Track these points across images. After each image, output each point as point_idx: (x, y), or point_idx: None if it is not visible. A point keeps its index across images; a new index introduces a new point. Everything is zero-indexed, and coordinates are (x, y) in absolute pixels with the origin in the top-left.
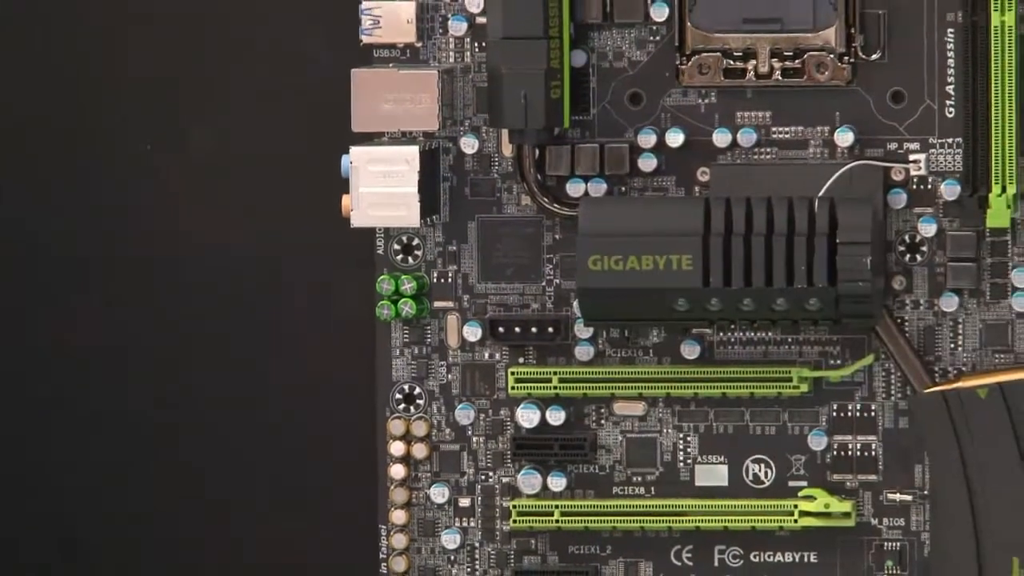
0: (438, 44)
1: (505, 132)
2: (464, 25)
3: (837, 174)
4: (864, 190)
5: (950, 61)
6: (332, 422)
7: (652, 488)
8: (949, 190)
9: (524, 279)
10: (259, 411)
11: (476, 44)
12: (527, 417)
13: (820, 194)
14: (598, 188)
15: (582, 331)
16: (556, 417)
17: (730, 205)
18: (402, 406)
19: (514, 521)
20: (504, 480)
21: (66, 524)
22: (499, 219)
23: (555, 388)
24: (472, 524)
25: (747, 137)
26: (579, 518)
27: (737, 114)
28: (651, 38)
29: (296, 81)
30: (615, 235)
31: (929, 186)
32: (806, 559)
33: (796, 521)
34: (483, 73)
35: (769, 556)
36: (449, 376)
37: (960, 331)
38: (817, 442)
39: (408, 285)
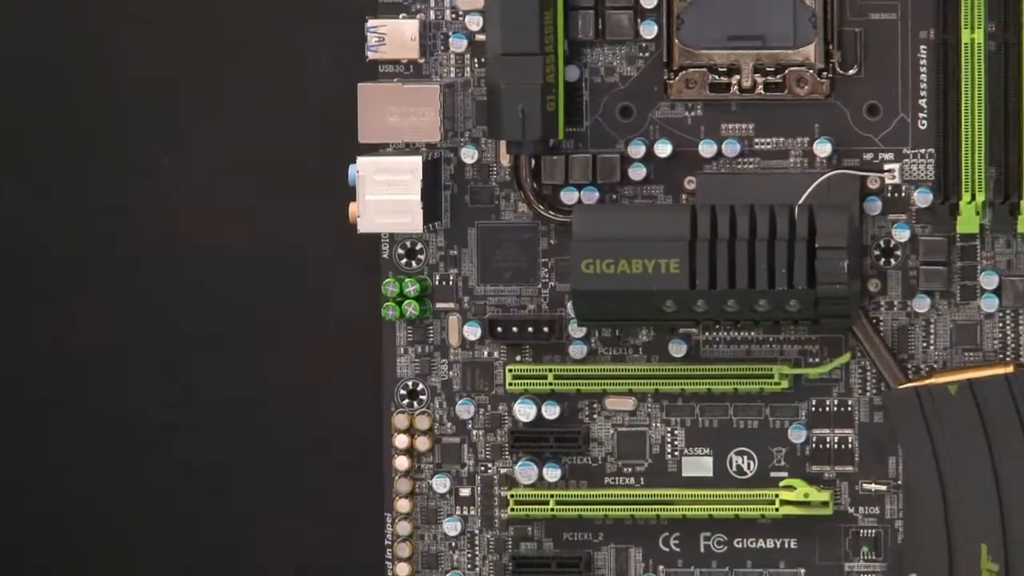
0: (440, 60)
1: (503, 143)
2: (464, 42)
3: (816, 183)
4: (841, 198)
5: (923, 76)
6: (340, 417)
7: (641, 479)
8: (922, 198)
9: (521, 282)
10: (270, 408)
11: (476, 60)
12: (524, 412)
13: (800, 202)
14: (591, 196)
15: (576, 331)
16: (551, 412)
17: (715, 212)
18: (406, 401)
19: (512, 510)
20: (502, 471)
21: (66, 524)
22: (497, 225)
23: (550, 384)
24: (472, 512)
25: (731, 148)
26: (573, 507)
27: (722, 126)
28: (640, 54)
29: (306, 95)
30: (607, 240)
31: (903, 194)
32: (786, 545)
33: (777, 510)
34: (482, 88)
35: (752, 543)
36: (450, 373)
37: (932, 331)
38: (797, 435)
39: (412, 287)
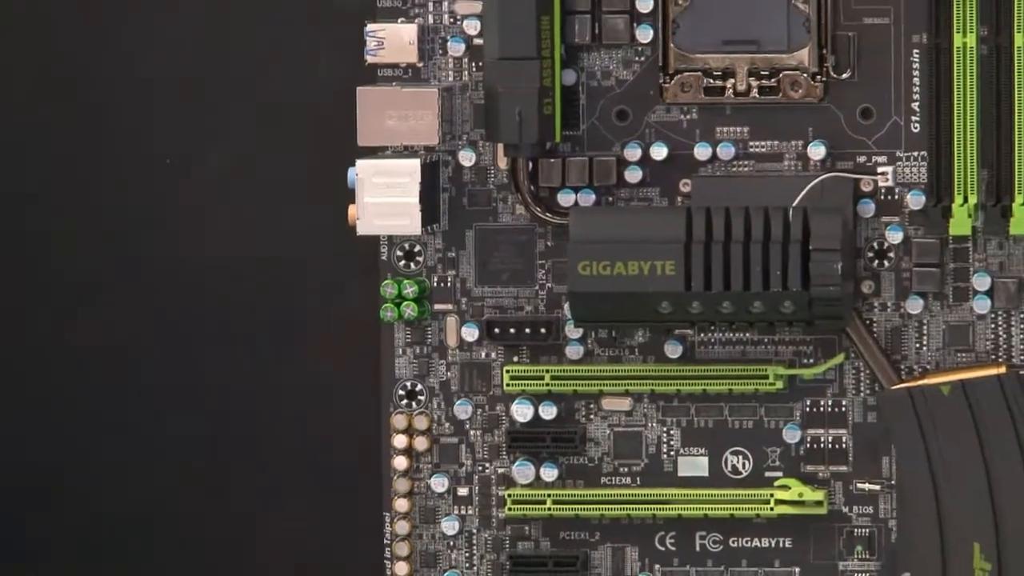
0: (438, 64)
1: (501, 146)
2: (462, 46)
3: (810, 185)
4: (835, 200)
5: (916, 80)
6: (339, 417)
7: (638, 478)
8: (915, 200)
9: (518, 283)
10: (269, 408)
11: (473, 64)
12: (521, 412)
13: (794, 204)
14: (587, 198)
15: (572, 332)
16: (548, 412)
17: (710, 214)
18: (404, 402)
19: (509, 509)
20: (500, 471)
21: (66, 524)
22: (495, 227)
23: (547, 385)
24: (470, 512)
25: (726, 151)
26: (570, 506)
27: (717, 129)
28: (636, 58)
29: (306, 99)
30: (603, 242)
31: (896, 196)
32: (781, 544)
33: (772, 509)
34: (480, 91)
35: (747, 542)
36: (448, 374)
37: (925, 332)
38: (791, 435)
39: (410, 289)
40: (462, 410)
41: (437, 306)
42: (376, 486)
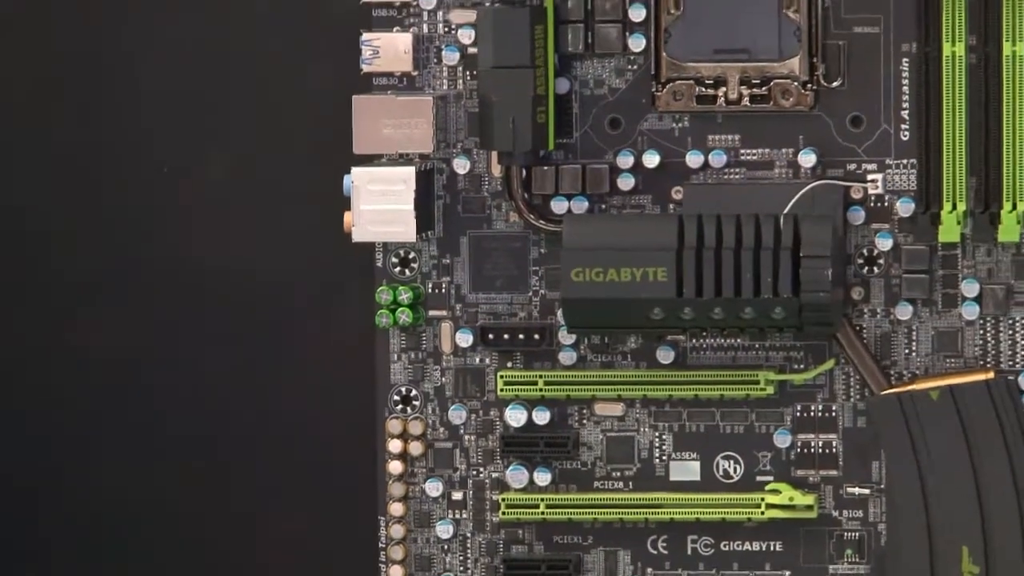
0: (433, 73)
1: (495, 154)
2: (457, 55)
3: (800, 193)
4: (825, 208)
5: (905, 88)
6: (335, 422)
7: (630, 483)
8: (904, 207)
9: (512, 290)
10: (267, 412)
11: (468, 73)
12: (515, 417)
13: (785, 211)
14: (580, 206)
15: (565, 338)
16: (541, 417)
17: (702, 221)
18: (400, 407)
19: (503, 513)
20: (494, 475)
21: (67, 524)
22: (489, 234)
23: (541, 390)
24: (464, 516)
25: (718, 159)
26: (563, 510)
27: (708, 137)
28: (629, 67)
29: (303, 107)
30: (596, 249)
31: (885, 204)
32: (772, 548)
33: (763, 513)
34: (474, 100)
35: (738, 545)
36: (443, 379)
37: (914, 338)
38: (782, 440)
39: (405, 295)
40: (456, 415)
41: (432, 312)
42: (371, 490)
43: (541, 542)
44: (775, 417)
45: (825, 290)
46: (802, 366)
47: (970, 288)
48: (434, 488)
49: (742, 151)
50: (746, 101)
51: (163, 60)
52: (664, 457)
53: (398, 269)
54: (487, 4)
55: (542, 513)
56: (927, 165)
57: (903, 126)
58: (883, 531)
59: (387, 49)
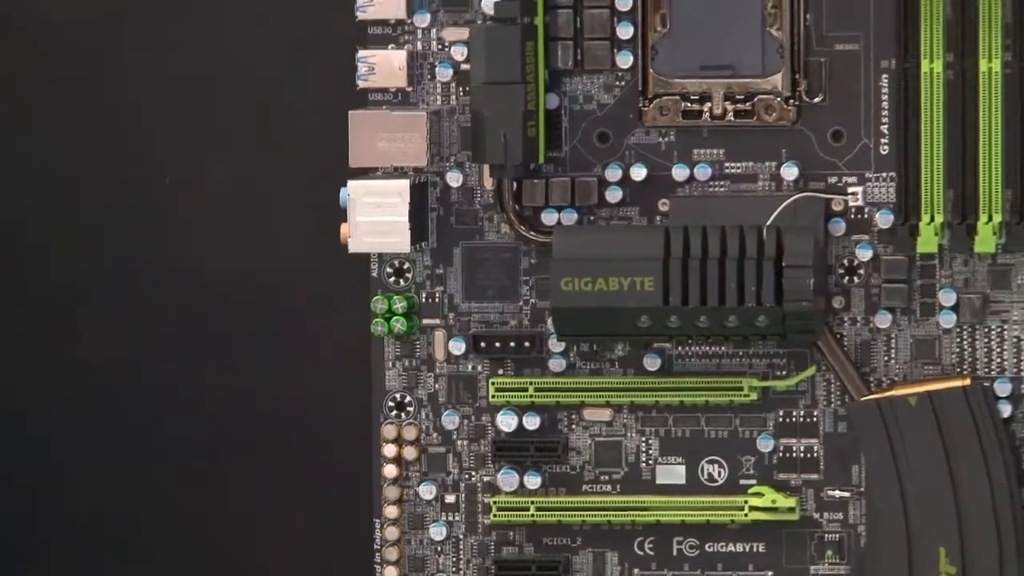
0: (427, 88)
1: (487, 167)
2: (450, 72)
3: (783, 205)
4: (807, 219)
5: (884, 104)
6: (332, 427)
7: (618, 486)
8: (883, 219)
9: (503, 299)
10: (265, 417)
11: (461, 89)
12: (506, 422)
13: (768, 223)
14: (569, 217)
15: (555, 345)
16: (532, 422)
17: (687, 233)
18: (394, 413)
19: (494, 515)
20: (485, 479)
21: (67, 524)
22: (481, 245)
23: (531, 396)
24: (457, 518)
25: (703, 172)
26: (552, 513)
27: (694, 151)
28: (617, 83)
29: (301, 122)
30: (585, 259)
31: (865, 216)
32: (755, 549)
33: (746, 515)
34: (467, 114)
35: (722, 547)
36: (436, 386)
37: (893, 345)
38: (765, 445)
39: (400, 304)
40: (449, 421)
41: (425, 321)
42: (367, 493)
43: (531, 544)
44: (758, 422)
45: (807, 299)
46: (784, 373)
47: (947, 297)
48: (428, 491)
49: (726, 164)
50: (730, 116)
51: (166, 77)
52: (650, 461)
53: (393, 279)
54: (480, 22)
55: (532, 516)
56: (906, 178)
57: (882, 140)
58: (863, 533)
59: (382, 66)
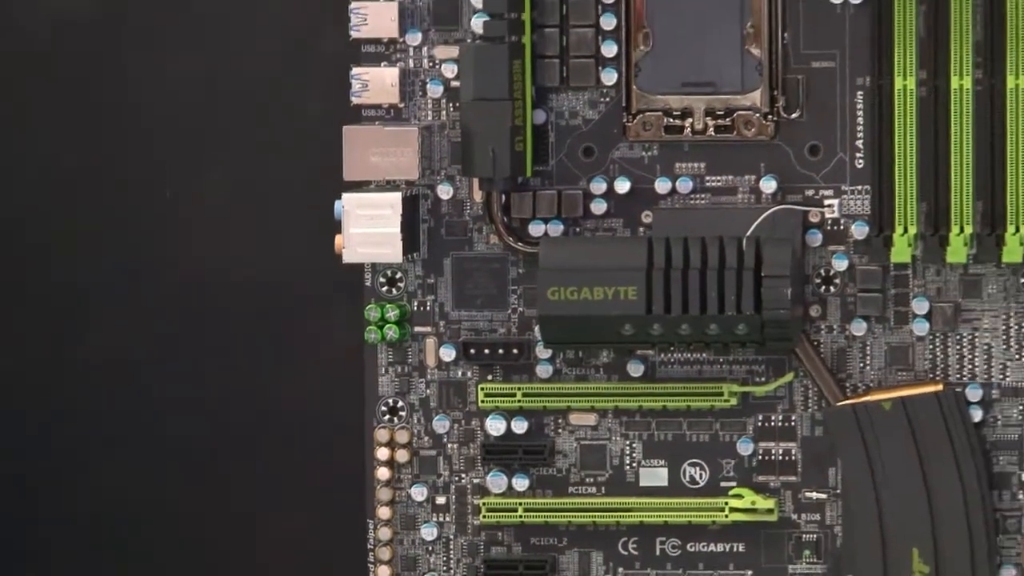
0: (418, 104)
1: (476, 180)
2: (440, 88)
3: (762, 217)
4: (785, 231)
5: (860, 119)
6: (326, 431)
7: (602, 488)
8: (859, 231)
9: (492, 307)
10: (262, 422)
11: (451, 105)
12: (495, 427)
13: (747, 234)
14: (556, 229)
15: (542, 352)
16: (520, 427)
17: (670, 244)
18: (387, 417)
19: (484, 517)
20: (475, 481)
21: (67, 524)
22: (471, 256)
23: (519, 401)
24: (447, 519)
25: (684, 185)
26: (540, 514)
27: (676, 165)
28: (602, 99)
29: (296, 137)
30: (571, 269)
31: (841, 227)
32: (735, 549)
33: (726, 516)
34: (457, 130)
35: (703, 547)
36: (427, 391)
37: (868, 352)
38: (744, 448)
39: (392, 313)
40: (440, 425)
41: (417, 328)
42: (360, 495)
43: (519, 544)
44: (738, 426)
45: (785, 308)
46: (763, 379)
47: (920, 306)
48: (419, 493)
49: (707, 178)
50: (711, 131)
51: (168, 94)
52: (634, 464)
53: (385, 288)
54: (469, 41)
55: (520, 516)
56: (880, 191)
57: (858, 154)
58: (839, 533)
59: (375, 82)
